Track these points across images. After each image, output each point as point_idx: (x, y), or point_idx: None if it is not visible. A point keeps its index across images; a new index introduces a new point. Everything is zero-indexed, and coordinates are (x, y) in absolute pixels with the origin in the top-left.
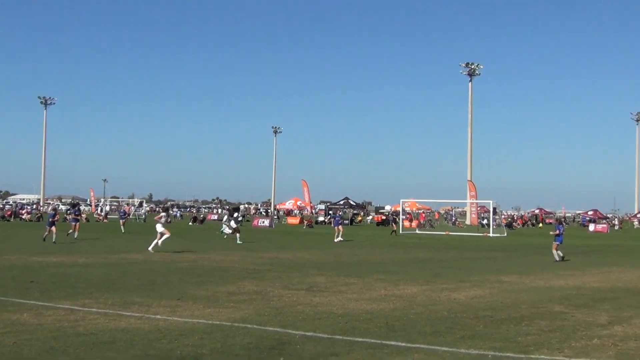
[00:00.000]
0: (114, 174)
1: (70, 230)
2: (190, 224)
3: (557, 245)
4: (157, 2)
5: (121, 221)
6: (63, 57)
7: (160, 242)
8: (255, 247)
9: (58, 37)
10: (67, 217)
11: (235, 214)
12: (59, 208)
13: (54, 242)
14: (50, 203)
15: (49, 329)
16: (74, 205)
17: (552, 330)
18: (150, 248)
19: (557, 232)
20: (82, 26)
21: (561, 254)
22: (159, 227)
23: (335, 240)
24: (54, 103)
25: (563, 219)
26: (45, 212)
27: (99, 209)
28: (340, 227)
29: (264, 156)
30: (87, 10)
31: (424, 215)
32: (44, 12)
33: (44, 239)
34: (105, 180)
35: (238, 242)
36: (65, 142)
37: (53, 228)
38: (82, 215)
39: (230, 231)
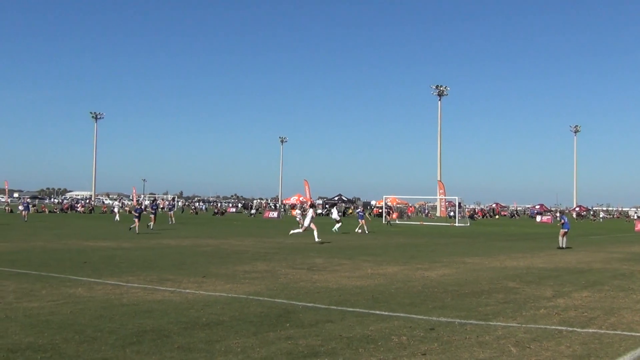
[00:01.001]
0: (151, 174)
1: (150, 222)
2: (213, 215)
3: (565, 232)
4: (184, 14)
5: (170, 213)
6: (107, 79)
7: (301, 231)
8: (266, 234)
9: (103, 62)
10: (146, 210)
11: (311, 211)
12: (125, 203)
13: (137, 233)
14: (100, 198)
15: (98, 300)
16: (153, 201)
17: (506, 302)
18: (317, 239)
19: (562, 221)
20: (118, 51)
21: (562, 244)
22: (307, 221)
23: (358, 231)
24: (103, 117)
25: (565, 209)
26: (97, 206)
27: (139, 203)
28: (363, 220)
29: (273, 159)
30: (118, 34)
31: (413, 208)
32: (97, 41)
33: (130, 229)
34: (144, 179)
35: (317, 239)
36: (112, 147)
37: (137, 220)
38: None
39: (302, 229)
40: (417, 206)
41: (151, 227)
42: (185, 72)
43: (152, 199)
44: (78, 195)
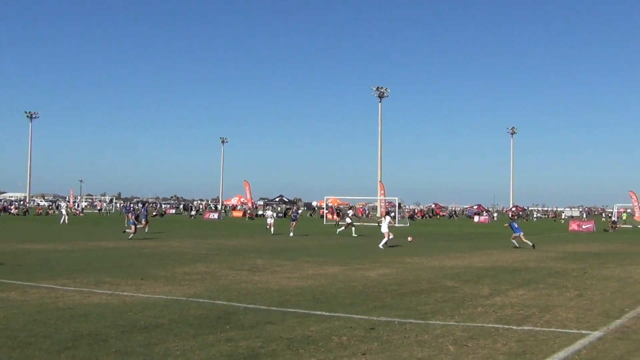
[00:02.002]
0: (88, 175)
1: (140, 226)
2: (152, 217)
3: (522, 234)
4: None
5: (127, 215)
6: (42, 76)
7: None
8: (206, 235)
9: (37, 59)
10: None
11: (350, 212)
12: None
13: (146, 232)
14: (34, 199)
15: (33, 304)
16: (143, 204)
17: (445, 301)
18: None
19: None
20: (51, 48)
21: (530, 243)
22: (384, 228)
23: (290, 235)
24: (38, 117)
25: (515, 216)
26: (31, 208)
27: (76, 204)
28: (295, 222)
29: (214, 160)
30: (52, 33)
31: (361, 209)
32: (24, 37)
33: (145, 231)
34: (81, 180)
35: (354, 235)
36: (48, 147)
37: (142, 222)
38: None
39: (344, 227)
40: (358, 206)
41: (146, 231)
42: (123, 71)
43: (145, 201)
44: (11, 196)
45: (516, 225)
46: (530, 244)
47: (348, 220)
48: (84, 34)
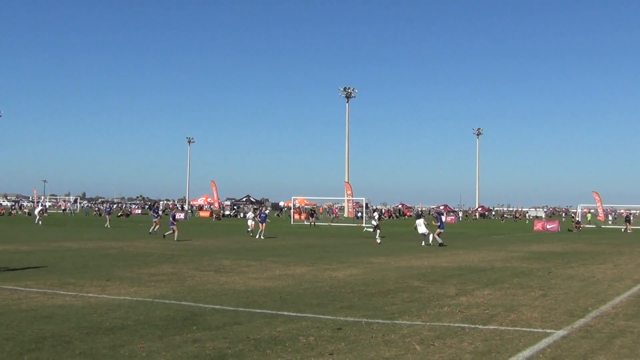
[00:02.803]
0: (52, 175)
1: (152, 227)
2: (117, 217)
3: (440, 232)
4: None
5: (107, 217)
6: (4, 75)
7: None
8: (171, 236)
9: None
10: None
11: (376, 214)
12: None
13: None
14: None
15: None
16: (154, 204)
17: (412, 300)
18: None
19: (439, 222)
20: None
21: (440, 240)
22: (422, 229)
23: (261, 237)
24: (1, 116)
25: (441, 213)
26: None
27: (40, 204)
28: (264, 224)
29: (180, 160)
30: (18, 30)
31: (336, 209)
32: None
33: (150, 232)
34: (44, 180)
35: (378, 240)
36: (10, 147)
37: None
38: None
39: (372, 229)
40: (325, 207)
41: (155, 231)
42: (88, 70)
43: (154, 202)
44: None
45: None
46: (439, 242)
47: (374, 222)
48: (46, 32)
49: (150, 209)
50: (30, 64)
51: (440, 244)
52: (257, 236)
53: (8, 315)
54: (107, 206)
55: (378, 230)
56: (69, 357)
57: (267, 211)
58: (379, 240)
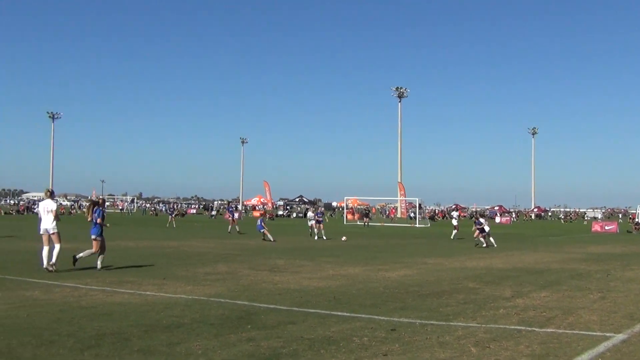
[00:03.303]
0: (110, 175)
1: (230, 226)
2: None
3: (481, 234)
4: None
5: (171, 217)
6: (65, 78)
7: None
8: (227, 236)
9: (59, 60)
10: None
11: (454, 213)
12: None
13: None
14: (57, 199)
15: (57, 303)
16: (228, 204)
17: (467, 302)
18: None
19: (478, 225)
20: (75, 49)
21: (483, 242)
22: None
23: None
24: (60, 117)
25: (481, 215)
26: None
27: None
28: (321, 224)
29: (234, 160)
30: (77, 33)
31: (393, 210)
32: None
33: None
34: (102, 180)
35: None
36: (70, 148)
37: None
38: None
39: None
40: (378, 207)
41: (230, 230)
42: (144, 72)
43: (230, 201)
44: (34, 196)
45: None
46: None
47: (487, 228)
48: (107, 35)
49: (227, 210)
50: (90, 67)
51: (484, 245)
52: (317, 237)
53: (69, 312)
54: (170, 207)
55: (455, 231)
56: (127, 353)
57: (322, 210)
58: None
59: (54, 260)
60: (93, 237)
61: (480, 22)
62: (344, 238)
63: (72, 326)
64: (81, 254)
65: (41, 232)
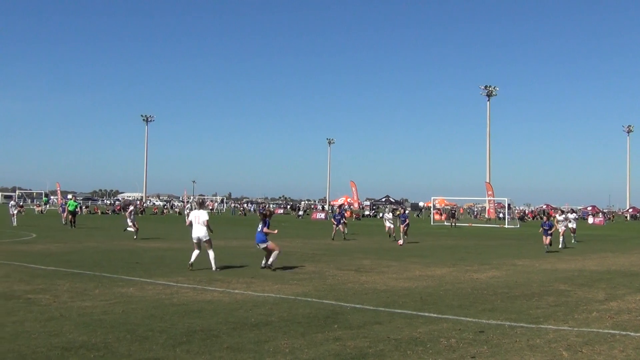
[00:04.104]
0: (200, 176)
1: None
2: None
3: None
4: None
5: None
6: (157, 82)
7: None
8: (314, 236)
9: (154, 67)
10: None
11: (572, 216)
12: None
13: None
14: (150, 199)
15: (149, 300)
16: (340, 207)
17: (558, 305)
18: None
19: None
20: (171, 56)
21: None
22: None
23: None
24: (153, 120)
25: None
26: (148, 207)
27: (190, 204)
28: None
29: (321, 160)
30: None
31: (490, 210)
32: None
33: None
34: (194, 181)
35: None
36: (163, 149)
37: (340, 226)
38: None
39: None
40: (465, 207)
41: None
42: (234, 75)
43: (341, 204)
44: (129, 196)
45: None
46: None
47: (562, 228)
48: (196, 38)
49: (333, 216)
50: (181, 70)
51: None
52: (395, 239)
53: (161, 309)
54: (260, 207)
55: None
56: (217, 350)
57: (407, 211)
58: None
59: (213, 266)
60: (262, 246)
61: (572, 17)
62: (400, 242)
63: (164, 322)
64: (270, 260)
65: (195, 241)
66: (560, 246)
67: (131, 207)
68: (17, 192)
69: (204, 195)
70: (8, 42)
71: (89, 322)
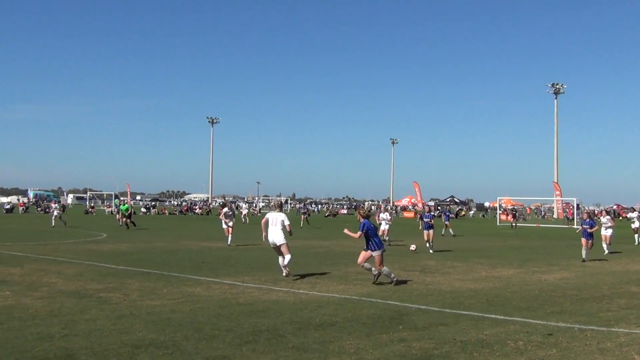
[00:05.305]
0: (264, 177)
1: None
2: (325, 217)
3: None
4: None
5: (303, 217)
6: (222, 85)
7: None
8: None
9: (222, 69)
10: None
11: (634, 214)
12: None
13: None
14: (216, 200)
15: (216, 299)
16: (447, 208)
17: (629, 307)
18: None
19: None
20: (235, 61)
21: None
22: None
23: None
24: (219, 122)
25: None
26: (214, 208)
27: (254, 205)
28: (449, 222)
29: (384, 161)
30: (239, 44)
31: (571, 210)
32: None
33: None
34: (258, 182)
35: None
36: (227, 151)
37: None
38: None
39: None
40: (532, 208)
41: (452, 234)
42: (298, 76)
43: (447, 205)
44: (196, 197)
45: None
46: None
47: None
48: (262, 41)
49: (443, 213)
50: (246, 72)
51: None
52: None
53: (228, 308)
54: (303, 207)
55: (636, 235)
56: (282, 350)
57: (471, 212)
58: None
59: (284, 270)
60: (376, 253)
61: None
62: (413, 247)
63: (231, 322)
64: (386, 273)
65: (271, 246)
66: (606, 252)
67: (225, 209)
68: (89, 193)
69: (268, 196)
70: (78, 44)
71: (157, 321)
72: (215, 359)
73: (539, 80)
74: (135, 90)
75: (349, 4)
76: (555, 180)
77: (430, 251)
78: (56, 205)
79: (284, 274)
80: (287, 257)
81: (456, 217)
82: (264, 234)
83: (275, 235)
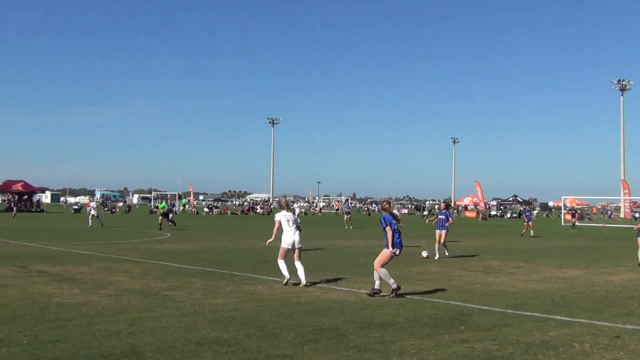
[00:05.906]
0: (325, 177)
1: (524, 230)
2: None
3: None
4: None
5: (346, 217)
6: (283, 85)
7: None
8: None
9: (280, 70)
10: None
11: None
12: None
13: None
14: (277, 199)
15: (278, 298)
16: (528, 205)
17: None
18: None
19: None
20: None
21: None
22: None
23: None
24: (279, 123)
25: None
26: (275, 208)
27: (314, 204)
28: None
29: (445, 160)
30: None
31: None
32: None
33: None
34: (318, 182)
35: None
36: (288, 151)
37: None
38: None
39: None
40: (598, 207)
41: (531, 234)
42: (356, 76)
43: (527, 202)
44: (257, 197)
45: None
46: None
47: None
48: (322, 43)
49: (523, 213)
50: (306, 73)
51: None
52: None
53: (289, 307)
54: (346, 205)
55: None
56: (343, 349)
57: (535, 211)
58: None
59: (304, 280)
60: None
61: None
62: (424, 254)
63: (292, 320)
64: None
65: (289, 247)
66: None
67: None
68: (153, 193)
69: (328, 196)
70: (143, 46)
71: (220, 319)
72: (277, 357)
73: (605, 77)
74: (198, 91)
75: (423, 1)
76: (623, 178)
77: (437, 255)
78: (93, 204)
79: (303, 283)
80: (302, 266)
81: (519, 217)
82: (273, 237)
83: (296, 235)
